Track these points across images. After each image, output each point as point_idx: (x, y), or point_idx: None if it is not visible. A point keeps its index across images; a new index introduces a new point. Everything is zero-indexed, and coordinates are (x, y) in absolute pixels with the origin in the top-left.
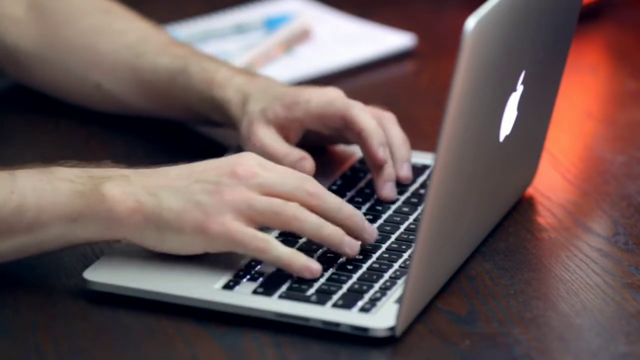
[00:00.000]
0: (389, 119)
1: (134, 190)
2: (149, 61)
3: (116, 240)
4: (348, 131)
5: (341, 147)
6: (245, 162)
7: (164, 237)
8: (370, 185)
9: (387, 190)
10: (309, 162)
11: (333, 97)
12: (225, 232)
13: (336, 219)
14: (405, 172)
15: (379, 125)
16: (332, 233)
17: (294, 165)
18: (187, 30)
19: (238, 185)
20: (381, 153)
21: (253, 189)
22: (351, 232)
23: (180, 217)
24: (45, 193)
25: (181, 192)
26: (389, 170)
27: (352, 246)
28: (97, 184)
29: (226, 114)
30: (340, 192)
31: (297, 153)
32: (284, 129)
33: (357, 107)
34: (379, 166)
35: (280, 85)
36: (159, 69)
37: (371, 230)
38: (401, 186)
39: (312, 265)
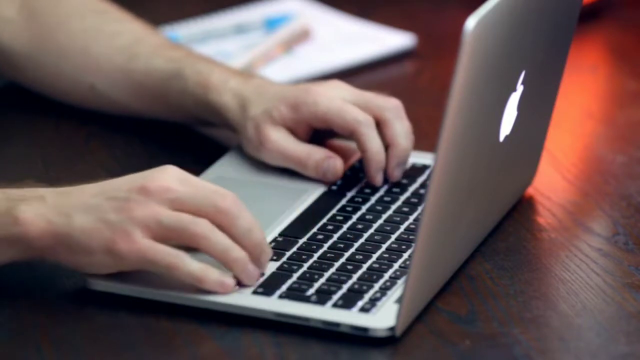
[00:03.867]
0: (393, 113)
1: (46, 211)
2: (142, 63)
3: (35, 259)
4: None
5: (341, 147)
6: (159, 176)
7: (76, 258)
8: (371, 185)
9: (380, 177)
10: (338, 161)
11: (340, 106)
12: (135, 250)
13: (241, 242)
14: (396, 175)
15: (382, 149)
16: (237, 258)
17: (320, 165)
18: (187, 30)
19: (147, 200)
20: (378, 179)
21: (163, 204)
22: (251, 259)
23: (89, 236)
24: None
25: (92, 210)
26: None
27: (251, 277)
28: (11, 207)
29: (223, 118)
30: (340, 192)
31: (321, 152)
32: (291, 129)
33: (364, 125)
34: (374, 184)
35: (276, 84)
36: (152, 72)
37: (262, 269)
38: (401, 186)
39: (225, 280)
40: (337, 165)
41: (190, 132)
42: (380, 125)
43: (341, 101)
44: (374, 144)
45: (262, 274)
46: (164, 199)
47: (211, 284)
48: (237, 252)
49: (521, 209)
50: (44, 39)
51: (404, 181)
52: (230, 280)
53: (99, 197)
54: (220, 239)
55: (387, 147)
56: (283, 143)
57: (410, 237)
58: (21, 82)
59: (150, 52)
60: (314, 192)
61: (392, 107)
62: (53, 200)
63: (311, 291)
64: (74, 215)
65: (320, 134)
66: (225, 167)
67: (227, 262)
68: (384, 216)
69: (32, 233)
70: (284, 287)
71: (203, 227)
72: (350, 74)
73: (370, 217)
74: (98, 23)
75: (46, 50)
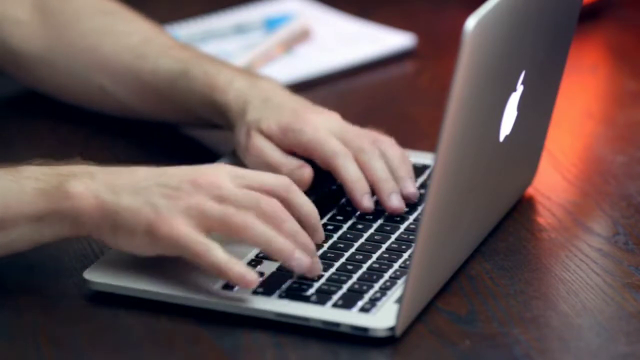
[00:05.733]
0: (369, 154)
1: (96, 187)
2: (150, 64)
3: (82, 236)
4: None
5: None
6: (212, 172)
7: (118, 237)
8: (370, 185)
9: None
10: (307, 170)
11: (322, 137)
12: (172, 234)
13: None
14: (393, 205)
15: (362, 176)
16: (281, 249)
17: (291, 174)
18: (187, 30)
19: (196, 193)
20: (365, 203)
21: (210, 198)
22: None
23: (133, 216)
24: (11, 192)
25: (141, 192)
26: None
27: (301, 265)
28: (62, 182)
29: (226, 117)
30: (338, 194)
31: (295, 162)
32: (277, 145)
33: (340, 157)
34: (364, 211)
35: (282, 93)
36: (160, 72)
37: (318, 267)
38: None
39: (247, 275)
40: (304, 174)
41: (187, 134)
42: (359, 166)
43: (325, 132)
44: (349, 173)
45: (320, 274)
46: (212, 194)
47: (233, 275)
48: (281, 242)
49: (521, 209)
50: (55, 39)
51: None
52: (252, 275)
53: (149, 181)
54: (262, 229)
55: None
56: (264, 149)
57: (410, 237)
58: (31, 84)
59: (159, 53)
60: (314, 193)
61: (368, 148)
62: (103, 178)
63: (311, 291)
64: (123, 194)
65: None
66: None
67: (271, 253)
68: (384, 216)
69: (82, 208)
70: (284, 287)
71: (245, 218)
72: (350, 74)
73: (370, 217)
74: (108, 23)
75: (57, 50)
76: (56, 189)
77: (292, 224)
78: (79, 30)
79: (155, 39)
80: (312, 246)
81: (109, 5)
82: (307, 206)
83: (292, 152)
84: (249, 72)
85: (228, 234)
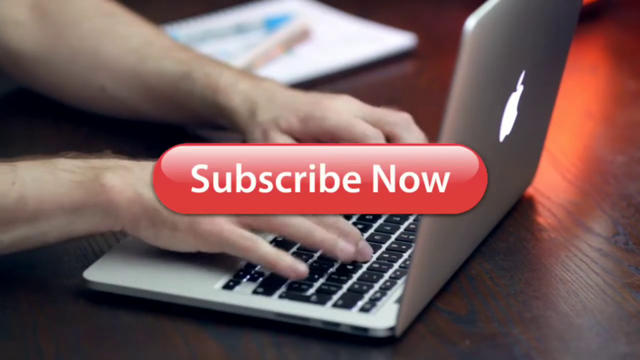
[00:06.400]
0: (403, 127)
1: (133, 181)
2: (152, 66)
3: (115, 230)
4: None
5: None
6: None
7: (158, 232)
8: None
9: None
10: None
11: (348, 120)
12: (216, 232)
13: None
14: None
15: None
16: (324, 238)
17: None
18: (187, 30)
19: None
20: None
21: None
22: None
23: (175, 213)
24: (46, 184)
25: None
26: None
27: (345, 251)
28: (97, 174)
29: (232, 120)
30: None
31: None
32: (298, 139)
33: (373, 139)
34: None
35: (286, 90)
36: (162, 74)
37: (367, 251)
38: None
39: (298, 266)
40: None
41: (189, 132)
42: (391, 141)
43: (350, 116)
44: None
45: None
46: None
47: (283, 267)
48: (323, 233)
49: (521, 209)
50: (54, 40)
51: None
52: (302, 266)
53: None
54: (303, 223)
55: None
56: None
57: (410, 237)
58: (32, 85)
59: (160, 55)
60: None
61: (401, 122)
62: (139, 172)
63: (311, 291)
64: None
65: None
66: None
67: (314, 244)
68: (384, 216)
69: (118, 201)
70: (284, 287)
71: (287, 215)
72: (350, 74)
73: (370, 217)
74: (108, 25)
75: (57, 51)
76: (92, 181)
77: (332, 215)
78: (78, 32)
79: (156, 41)
80: (356, 231)
81: (108, 7)
82: None
83: (313, 141)
84: (249, 73)
85: (268, 231)
